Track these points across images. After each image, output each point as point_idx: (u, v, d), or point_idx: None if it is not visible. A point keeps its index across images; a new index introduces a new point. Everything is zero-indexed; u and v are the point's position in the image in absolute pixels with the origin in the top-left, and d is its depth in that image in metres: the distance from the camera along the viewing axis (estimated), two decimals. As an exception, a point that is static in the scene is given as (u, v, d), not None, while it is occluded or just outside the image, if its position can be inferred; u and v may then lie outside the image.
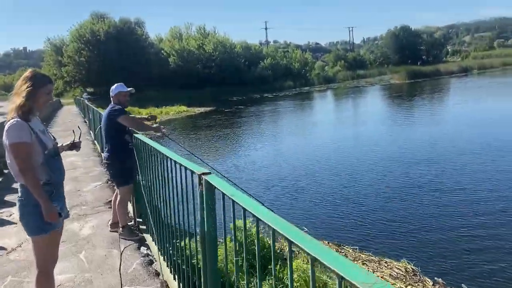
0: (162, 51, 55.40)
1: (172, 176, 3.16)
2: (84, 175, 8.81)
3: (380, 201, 8.72)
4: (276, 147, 16.16)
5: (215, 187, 2.18)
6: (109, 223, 5.33)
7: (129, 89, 5.00)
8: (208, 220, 2.29)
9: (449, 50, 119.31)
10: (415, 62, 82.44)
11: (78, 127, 3.89)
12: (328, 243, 6.78)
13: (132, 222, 5.33)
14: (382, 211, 8.13)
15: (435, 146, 13.64)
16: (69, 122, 24.21)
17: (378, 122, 20.99)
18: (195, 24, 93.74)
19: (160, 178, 3.73)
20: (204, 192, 2.26)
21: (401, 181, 10.10)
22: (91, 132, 16.06)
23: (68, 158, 10.92)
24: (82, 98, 34.84)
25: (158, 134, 5.17)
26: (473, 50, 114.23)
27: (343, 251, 6.55)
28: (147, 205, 4.64)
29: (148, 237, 4.67)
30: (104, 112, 5.13)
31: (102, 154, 10.53)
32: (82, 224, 5.56)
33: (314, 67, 71.33)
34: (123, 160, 4.82)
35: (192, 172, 2.52)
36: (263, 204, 1.92)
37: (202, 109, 35.56)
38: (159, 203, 3.97)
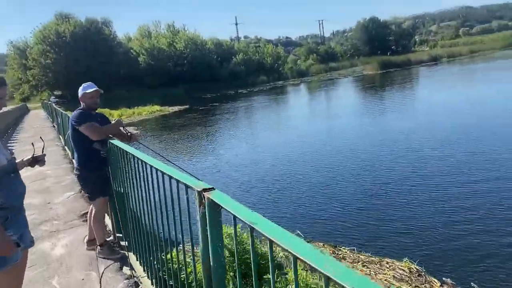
0: (132, 50, 54.08)
1: (157, 186, 2.68)
2: (55, 185, 8.14)
3: (368, 197, 8.37)
4: (253, 145, 15.68)
5: (221, 207, 1.70)
6: (85, 240, 4.76)
7: (93, 89, 4.40)
8: (215, 249, 1.79)
9: (417, 40, 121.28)
10: (385, 53, 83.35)
11: (41, 137, 3.28)
12: (323, 245, 6.38)
13: (112, 238, 4.77)
14: (372, 208, 7.78)
15: (421, 137, 13.44)
16: (37, 127, 23.14)
17: (356, 114, 20.79)
18: (164, 22, 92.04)
19: (142, 187, 3.22)
20: (207, 214, 1.77)
21: (386, 174, 9.77)
22: (60, 137, 15.23)
23: (36, 168, 10.18)
24: (49, 102, 33.56)
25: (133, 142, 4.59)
26: (441, 39, 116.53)
27: (340, 253, 6.16)
28: (127, 217, 4.11)
29: (131, 256, 4.12)
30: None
31: (73, 160, 9.85)
32: (54, 243, 4.96)
33: (287, 61, 71.17)
34: (95, 171, 4.27)
35: (187, 187, 2.02)
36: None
37: (175, 108, 34.76)
38: (142, 215, 3.46)
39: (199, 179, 2.01)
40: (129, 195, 3.79)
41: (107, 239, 4.54)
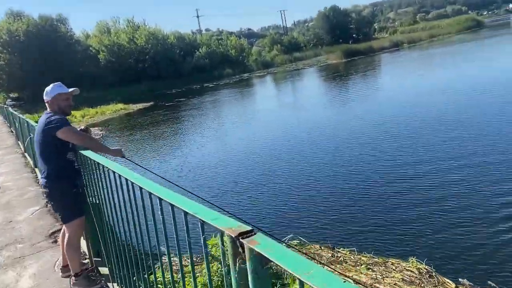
0: (91, 48, 51.95)
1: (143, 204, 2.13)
2: (17, 198, 7.31)
3: (362, 193, 7.96)
4: (222, 142, 15.02)
5: (271, 262, 1.14)
6: (58, 265, 4.10)
7: (71, 89, 3.75)
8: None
9: (376, 27, 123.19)
10: (347, 41, 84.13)
11: None
12: (320, 247, 5.92)
13: (88, 263, 4.11)
14: (368, 204, 7.36)
15: (404, 126, 13.21)
16: (-7, 134, 21.65)
17: (325, 105, 20.53)
18: (123, 17, 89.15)
19: (124, 203, 2.64)
20: (250, 272, 1.20)
21: (379, 167, 9.42)
22: (19, 143, 14.15)
23: (-6, 179, 9.27)
24: (5, 106, 31.76)
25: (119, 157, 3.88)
26: (400, 25, 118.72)
27: (339, 255, 5.71)
28: (106, 238, 3.50)
29: (114, 287, 3.50)
30: (38, 124, 3.81)
31: (36, 169, 8.99)
32: (19, 272, 4.25)
33: (251, 52, 70.50)
34: (69, 186, 3.60)
35: (223, 235, 1.42)
36: None
37: (140, 106, 33.61)
38: (123, 233, 2.88)
39: (229, 213, 1.45)
40: (109, 211, 3.18)
41: (83, 268, 3.88)
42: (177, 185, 3.58)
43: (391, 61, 43.39)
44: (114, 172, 2.67)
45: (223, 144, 14.41)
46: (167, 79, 50.16)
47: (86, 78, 45.77)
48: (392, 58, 47.43)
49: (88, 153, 3.34)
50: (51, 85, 3.75)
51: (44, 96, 3.73)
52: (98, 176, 3.23)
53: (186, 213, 1.66)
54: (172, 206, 1.78)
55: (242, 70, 59.80)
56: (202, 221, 1.49)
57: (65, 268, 3.95)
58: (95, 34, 58.23)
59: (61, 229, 5.43)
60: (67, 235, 3.67)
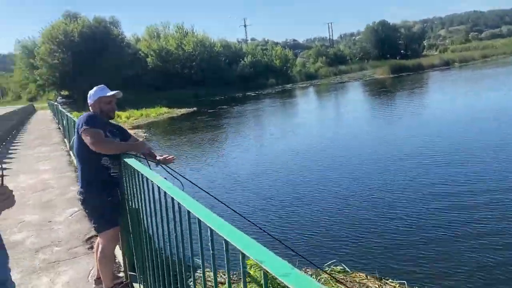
0: (140, 52, 53.39)
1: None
2: (58, 197, 7.30)
3: (411, 217, 7.42)
4: (263, 153, 14.66)
5: None
6: (92, 276, 3.91)
7: (112, 92, 3.56)
8: None
9: (425, 44, 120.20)
10: (394, 57, 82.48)
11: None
12: (366, 276, 5.47)
13: (123, 277, 3.89)
14: (417, 231, 6.82)
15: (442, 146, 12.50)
16: (43, 129, 22.43)
17: (370, 121, 19.88)
18: (172, 22, 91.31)
19: (167, 217, 2.40)
20: None
21: (424, 188, 8.85)
22: (65, 140, 14.44)
23: (39, 176, 9.40)
24: (55, 103, 32.94)
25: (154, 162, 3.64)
26: (451, 44, 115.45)
27: (387, 287, 5.26)
28: (145, 254, 3.25)
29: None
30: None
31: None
32: (52, 279, 4.10)
33: (296, 63, 70.31)
34: (103, 195, 3.40)
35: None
36: None
37: (183, 110, 33.99)
38: (164, 251, 2.64)
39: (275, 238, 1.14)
40: (147, 225, 2.95)
41: (117, 281, 3.67)
42: (218, 200, 3.32)
43: (441, 79, 41.92)
44: (153, 183, 2.49)
45: (261, 157, 14.02)
46: (212, 85, 50.67)
47: (134, 81, 46.98)
48: (442, 76, 45.85)
49: (130, 161, 3.12)
50: (94, 88, 3.59)
51: (88, 99, 3.58)
52: (139, 183, 3.01)
53: (227, 242, 1.48)
54: (212, 231, 1.63)
55: (286, 81, 59.71)
56: (243, 254, 1.26)
57: (98, 280, 3.75)
58: (144, 38, 59.90)
59: (97, 235, 5.30)
60: (100, 246, 3.47)
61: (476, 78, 39.55)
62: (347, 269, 5.67)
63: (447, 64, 62.04)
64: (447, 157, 11.08)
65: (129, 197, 3.42)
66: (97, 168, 3.41)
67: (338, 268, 5.65)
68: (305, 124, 21.25)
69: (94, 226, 3.61)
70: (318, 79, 63.03)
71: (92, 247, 4.84)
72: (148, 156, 3.45)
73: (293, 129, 19.38)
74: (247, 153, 14.69)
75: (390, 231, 6.84)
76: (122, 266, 3.99)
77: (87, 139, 3.26)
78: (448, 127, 15.48)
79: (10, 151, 14.07)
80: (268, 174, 11.32)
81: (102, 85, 3.65)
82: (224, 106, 34.98)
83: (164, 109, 34.03)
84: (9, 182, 8.13)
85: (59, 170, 9.87)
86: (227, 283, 1.57)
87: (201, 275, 2.10)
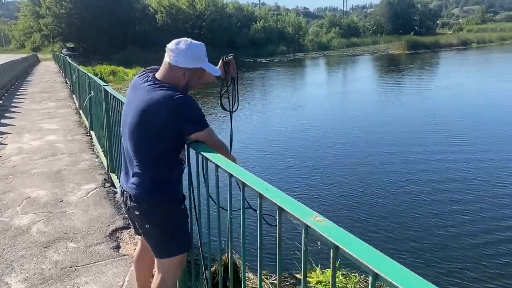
0: (149, 7, 51.22)
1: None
2: (69, 168, 6.16)
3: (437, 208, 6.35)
4: (269, 127, 13.38)
5: None
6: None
7: (219, 71, 2.54)
8: None
9: (439, 22, 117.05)
10: (408, 32, 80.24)
11: None
12: None
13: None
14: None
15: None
16: (48, 81, 21.13)
17: (393, 100, 18.63)
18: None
19: None
20: None
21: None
22: (74, 96, 13.23)
23: (46, 136, 8.27)
24: (62, 54, 31.45)
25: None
26: (466, 23, 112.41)
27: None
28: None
29: None
30: (138, 95, 2.15)
31: (92, 132, 7.87)
32: (72, 296, 3.02)
33: (308, 32, 68.15)
34: (178, 202, 2.24)
35: None
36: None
37: (193, 71, 32.50)
38: None
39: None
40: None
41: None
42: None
43: (461, 60, 40.24)
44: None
45: (269, 130, 12.81)
46: (221, 48, 48.83)
47: (141, 37, 45.18)
48: (461, 56, 44.14)
49: (213, 156, 1.98)
50: (186, 43, 2.16)
51: (172, 55, 2.15)
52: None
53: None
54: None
55: (297, 49, 57.92)
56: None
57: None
58: (155, -6, 57.45)
59: (124, 227, 4.20)
60: (159, 274, 2.30)
61: (496, 60, 37.94)
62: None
63: (464, 44, 60.15)
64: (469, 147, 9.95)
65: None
66: (174, 165, 2.20)
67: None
68: (316, 97, 19.97)
69: (155, 249, 2.30)
70: (330, 50, 61.12)
71: (118, 247, 3.75)
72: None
73: (302, 103, 18.12)
74: (251, 126, 13.52)
75: (404, 217, 5.77)
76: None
77: (210, 143, 2.12)
78: (482, 114, 14.27)
79: (13, 104, 12.87)
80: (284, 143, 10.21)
81: (202, 43, 2.28)
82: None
83: (172, 69, 32.61)
84: (11, 142, 6.89)
85: (68, 132, 8.71)
86: None
87: None
